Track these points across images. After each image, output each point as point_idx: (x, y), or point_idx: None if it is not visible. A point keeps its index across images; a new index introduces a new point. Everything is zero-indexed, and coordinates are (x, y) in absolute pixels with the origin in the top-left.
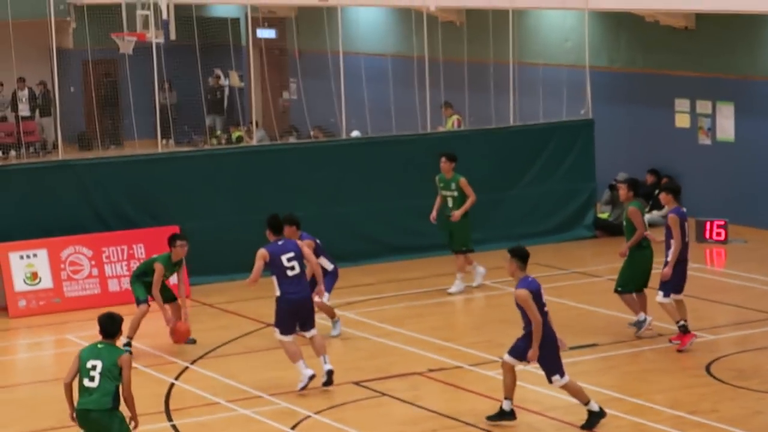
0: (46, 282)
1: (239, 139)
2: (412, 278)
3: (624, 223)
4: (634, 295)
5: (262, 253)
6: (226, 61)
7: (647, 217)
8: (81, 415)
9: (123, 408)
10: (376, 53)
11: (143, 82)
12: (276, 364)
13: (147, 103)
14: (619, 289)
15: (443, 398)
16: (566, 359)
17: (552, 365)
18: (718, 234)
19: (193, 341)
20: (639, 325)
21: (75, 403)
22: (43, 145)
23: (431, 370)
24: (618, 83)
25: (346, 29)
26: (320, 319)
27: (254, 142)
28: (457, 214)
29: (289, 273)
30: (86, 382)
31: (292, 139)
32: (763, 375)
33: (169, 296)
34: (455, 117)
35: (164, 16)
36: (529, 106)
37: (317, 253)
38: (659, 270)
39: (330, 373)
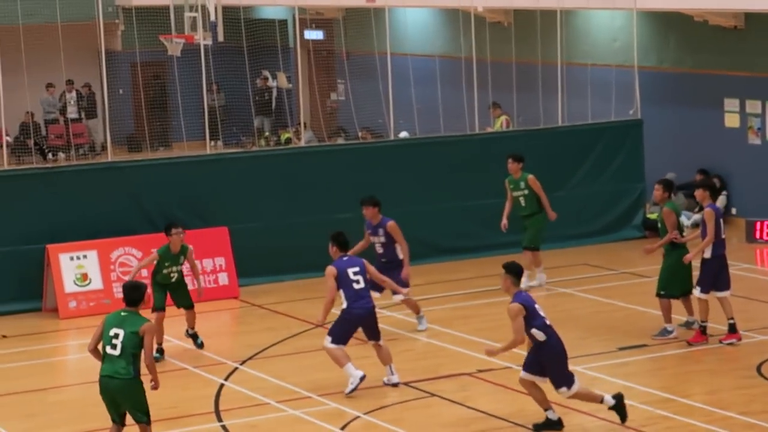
0: (96, 283)
1: (287, 140)
2: (460, 279)
3: (659, 225)
4: (671, 301)
5: (331, 270)
6: (274, 62)
7: (696, 216)
8: (104, 383)
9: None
10: (423, 54)
11: (191, 84)
12: (325, 365)
13: (195, 105)
14: (662, 292)
15: (493, 399)
16: (616, 360)
17: (559, 377)
18: None
19: (201, 345)
20: (663, 332)
21: (99, 371)
22: (91, 147)
23: (480, 371)
24: (667, 83)
25: (393, 30)
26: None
27: (302, 144)
28: (551, 214)
29: (356, 286)
30: (109, 350)
31: (340, 141)
32: None
33: (186, 303)
34: (503, 117)
35: (212, 17)
36: (578, 106)
37: (396, 238)
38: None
39: (396, 385)
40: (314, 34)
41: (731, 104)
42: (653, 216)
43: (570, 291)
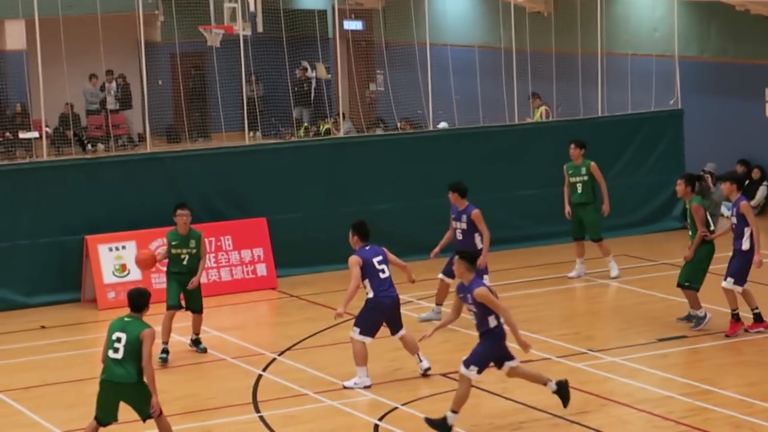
0: (135, 274)
1: (327, 131)
2: (500, 270)
3: (689, 220)
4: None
5: (356, 259)
6: (313, 53)
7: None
8: (107, 387)
9: None
10: (463, 44)
11: (231, 75)
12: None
13: (234, 96)
14: (686, 283)
15: (531, 391)
16: (656, 351)
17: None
18: None
19: (204, 350)
20: (699, 321)
21: (101, 373)
22: (129, 138)
23: (521, 362)
24: (708, 73)
25: (432, 20)
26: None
27: (341, 135)
28: (607, 206)
29: (381, 276)
30: (111, 354)
31: (379, 131)
32: None
33: (195, 307)
34: (543, 108)
35: (251, 8)
36: (618, 96)
37: (478, 227)
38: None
39: (427, 370)
40: (353, 25)
41: None
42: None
43: (609, 282)
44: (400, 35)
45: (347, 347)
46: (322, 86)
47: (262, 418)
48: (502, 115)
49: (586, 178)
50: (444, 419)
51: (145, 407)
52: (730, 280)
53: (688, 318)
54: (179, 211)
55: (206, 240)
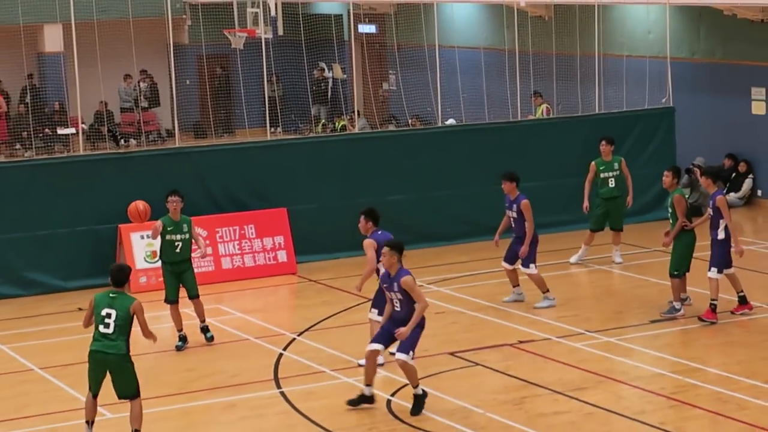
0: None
1: (342, 127)
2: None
3: (670, 210)
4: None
5: (371, 242)
6: (330, 54)
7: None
8: (97, 357)
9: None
10: (469, 46)
11: (253, 75)
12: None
13: (257, 94)
14: (676, 273)
15: (533, 368)
16: (649, 332)
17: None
18: None
19: (211, 338)
20: (671, 310)
21: (90, 345)
22: (159, 133)
23: (521, 342)
24: (698, 73)
25: (441, 24)
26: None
27: (356, 130)
28: (630, 200)
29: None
30: (102, 329)
31: (391, 127)
32: None
33: (191, 293)
34: (544, 105)
35: (272, 13)
36: (614, 95)
37: (525, 216)
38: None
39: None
40: (367, 28)
41: (758, 93)
42: (690, 200)
43: (607, 268)
44: (411, 38)
45: (361, 328)
46: (339, 85)
47: (282, 393)
48: (506, 113)
49: (618, 172)
50: (418, 398)
51: (124, 384)
52: (714, 270)
53: (682, 301)
54: (171, 198)
55: (231, 229)
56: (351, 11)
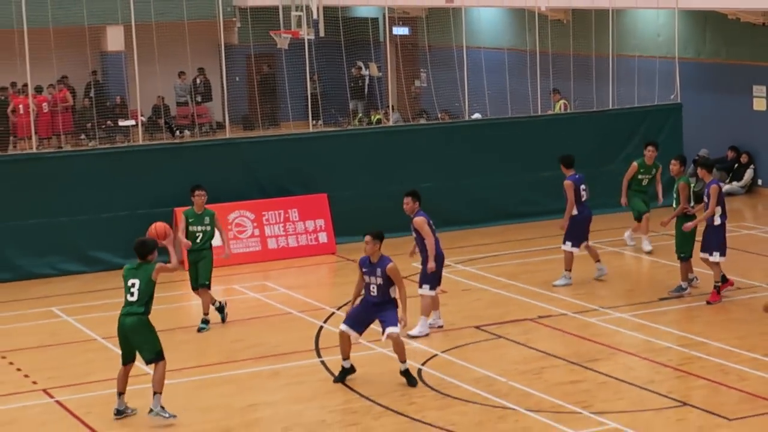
0: (216, 240)
1: (378, 120)
2: (524, 239)
3: (675, 195)
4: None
5: (424, 219)
6: (367, 54)
7: (727, 187)
8: (121, 321)
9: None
10: (494, 47)
11: (296, 73)
12: (408, 312)
13: (300, 90)
14: (683, 255)
15: (551, 341)
16: (658, 309)
17: (394, 317)
18: None
19: (224, 318)
20: (678, 289)
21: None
22: (211, 125)
23: (541, 317)
24: (703, 72)
25: (468, 26)
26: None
27: (390, 123)
28: (660, 192)
29: (436, 234)
30: (128, 297)
31: (422, 121)
32: None
33: (203, 281)
34: (562, 102)
35: (315, 16)
36: (626, 92)
37: (568, 196)
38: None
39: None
40: (401, 30)
41: (759, 90)
42: (695, 188)
43: (618, 250)
44: (441, 39)
45: None
46: (374, 82)
47: (322, 362)
48: (527, 108)
49: (652, 176)
50: (407, 373)
51: (145, 346)
52: (716, 254)
53: (689, 282)
54: (197, 192)
55: (276, 213)
56: (386, 15)
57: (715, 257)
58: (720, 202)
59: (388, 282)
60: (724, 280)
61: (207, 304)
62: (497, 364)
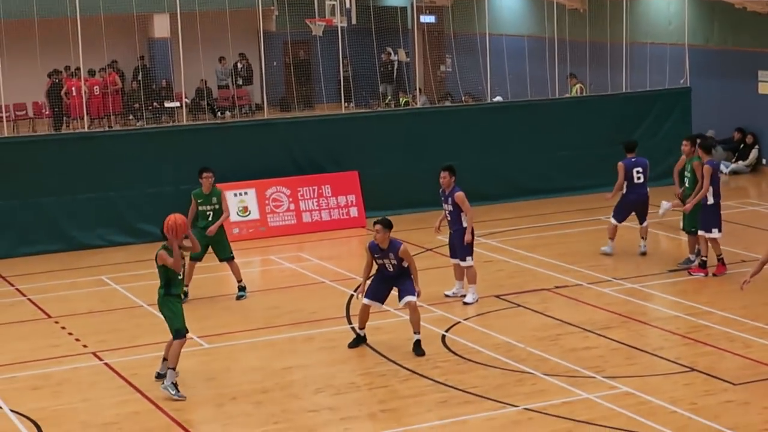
0: (254, 214)
1: (406, 103)
2: (543, 214)
3: (688, 175)
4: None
5: (463, 195)
6: (396, 41)
7: (733, 166)
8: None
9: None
10: (515, 34)
11: (330, 58)
12: (434, 282)
13: (333, 74)
14: (692, 229)
15: (567, 310)
16: (667, 280)
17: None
18: None
19: (242, 297)
20: (687, 261)
21: None
22: (251, 107)
23: (558, 287)
24: (711, 58)
25: (491, 15)
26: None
27: (418, 106)
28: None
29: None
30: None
31: (447, 103)
32: None
33: (225, 255)
34: (578, 86)
35: (347, 5)
36: (638, 77)
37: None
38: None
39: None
40: (428, 19)
41: (764, 75)
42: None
43: (630, 224)
44: (465, 27)
45: (420, 274)
46: (403, 67)
47: (353, 329)
48: (545, 91)
49: (690, 175)
50: (418, 343)
51: (168, 320)
52: (714, 230)
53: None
54: (204, 174)
55: (311, 188)
56: (414, 4)
57: (714, 233)
58: (713, 182)
59: (401, 260)
60: (703, 265)
61: (237, 271)
62: (516, 331)
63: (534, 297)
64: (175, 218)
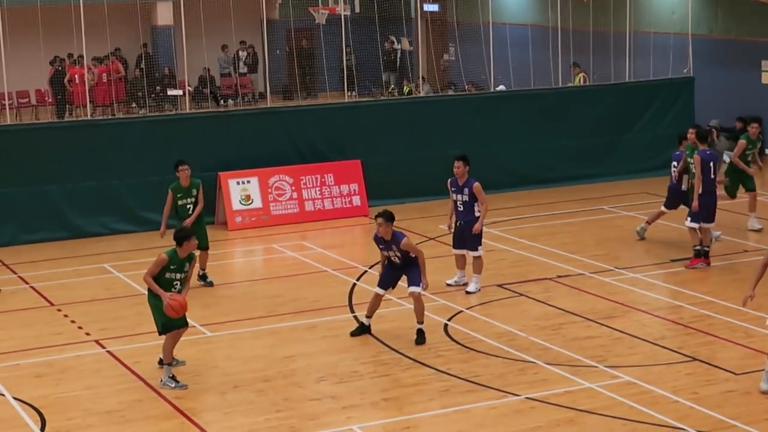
0: (257, 203)
1: (409, 91)
2: (545, 203)
3: (693, 162)
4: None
5: (480, 185)
6: (399, 29)
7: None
8: None
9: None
10: (518, 23)
11: (333, 46)
12: (437, 271)
13: (336, 63)
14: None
15: (569, 299)
16: (669, 270)
17: (418, 276)
18: None
19: (211, 284)
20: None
21: None
22: (254, 95)
23: (560, 276)
24: (715, 48)
25: (495, 4)
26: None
27: (421, 94)
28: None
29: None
30: None
31: (450, 92)
32: None
33: (202, 244)
34: (582, 75)
35: None
36: (642, 66)
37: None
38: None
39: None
40: (431, 7)
41: (767, 65)
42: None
43: (633, 214)
44: (469, 16)
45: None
46: (406, 56)
47: (355, 317)
48: (548, 80)
49: (756, 150)
50: (420, 332)
51: (155, 320)
52: (703, 222)
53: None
54: (180, 167)
55: (313, 177)
56: None
57: (695, 224)
58: (704, 172)
59: (406, 252)
60: (698, 255)
61: (205, 262)
62: (518, 320)
63: (536, 286)
64: (182, 307)
